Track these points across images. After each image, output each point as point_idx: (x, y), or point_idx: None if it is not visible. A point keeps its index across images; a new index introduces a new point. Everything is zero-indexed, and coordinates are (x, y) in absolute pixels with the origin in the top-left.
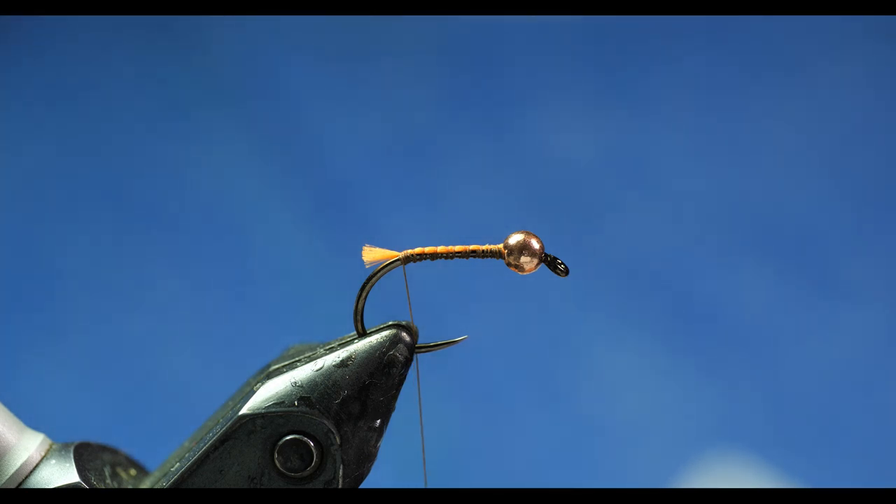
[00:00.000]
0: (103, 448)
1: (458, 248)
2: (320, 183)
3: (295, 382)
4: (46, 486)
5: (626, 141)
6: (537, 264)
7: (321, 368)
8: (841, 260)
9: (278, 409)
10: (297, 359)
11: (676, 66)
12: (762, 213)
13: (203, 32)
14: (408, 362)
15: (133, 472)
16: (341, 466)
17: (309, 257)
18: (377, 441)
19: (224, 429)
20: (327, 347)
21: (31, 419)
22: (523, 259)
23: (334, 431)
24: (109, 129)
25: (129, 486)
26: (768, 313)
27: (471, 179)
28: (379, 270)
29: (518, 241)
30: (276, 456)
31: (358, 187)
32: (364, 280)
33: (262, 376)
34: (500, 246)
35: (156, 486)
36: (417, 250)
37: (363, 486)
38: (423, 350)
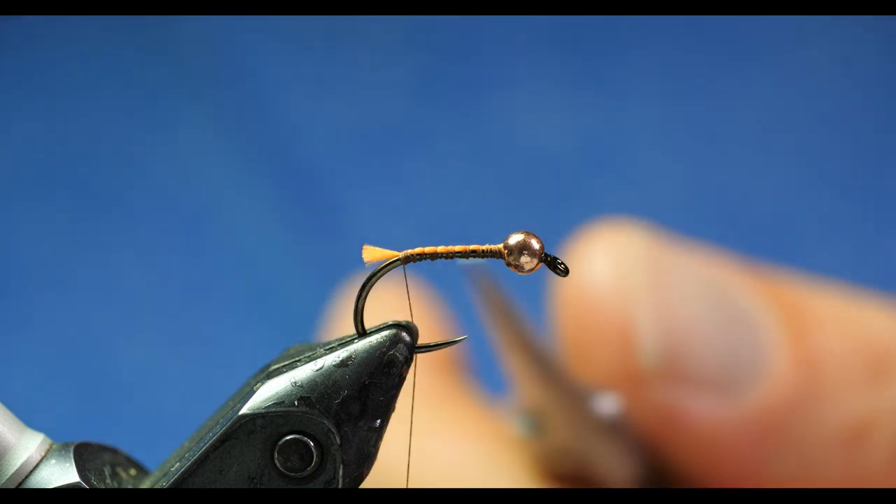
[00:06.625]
0: (103, 448)
1: (458, 247)
2: (288, 171)
3: (295, 382)
4: (46, 486)
5: (596, 125)
6: (537, 264)
7: (321, 368)
8: (808, 244)
9: (278, 409)
10: (297, 359)
11: (648, 51)
12: (732, 197)
13: (170, 19)
14: (408, 362)
15: (133, 472)
16: (341, 466)
17: (276, 246)
18: (377, 441)
19: (224, 429)
20: (327, 347)
21: None
22: (523, 259)
23: (334, 431)
24: (72, 117)
25: (129, 486)
26: None
27: (441, 164)
28: (379, 270)
29: (518, 242)
30: (276, 456)
31: (327, 175)
32: (364, 280)
33: (262, 376)
34: (500, 246)
35: (156, 486)
36: (417, 250)
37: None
38: (423, 350)
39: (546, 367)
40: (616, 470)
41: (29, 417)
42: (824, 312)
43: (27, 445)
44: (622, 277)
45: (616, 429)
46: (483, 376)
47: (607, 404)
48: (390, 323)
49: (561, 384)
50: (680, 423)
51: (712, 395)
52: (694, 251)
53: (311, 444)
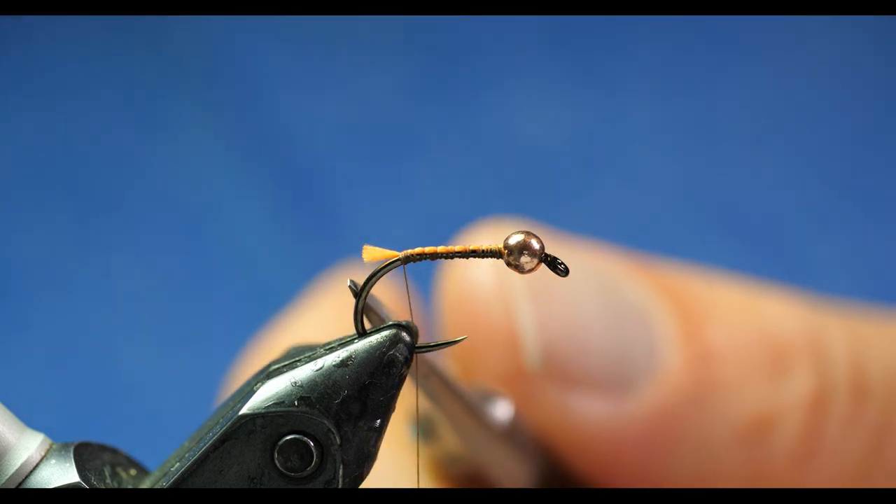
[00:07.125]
0: (103, 448)
1: (457, 247)
2: (287, 171)
3: (295, 382)
4: (46, 486)
5: (592, 122)
6: (537, 264)
7: (321, 368)
8: (805, 243)
9: (278, 409)
10: (297, 358)
11: (646, 49)
12: (728, 195)
13: (169, 20)
14: (408, 362)
15: (133, 472)
16: (341, 466)
17: (276, 246)
18: (377, 441)
19: (224, 429)
20: (327, 347)
21: None
22: (523, 259)
23: (334, 431)
24: (71, 117)
25: (129, 486)
26: None
27: (440, 164)
28: (379, 270)
29: (518, 242)
30: (276, 456)
31: (326, 175)
32: (364, 280)
33: (262, 376)
34: (500, 246)
35: (156, 486)
36: (417, 250)
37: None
38: (423, 350)
39: (435, 377)
40: (510, 475)
41: (29, 417)
42: (721, 305)
43: (27, 445)
44: (503, 277)
45: (509, 435)
46: None
47: (500, 411)
48: (390, 323)
49: (450, 393)
50: (570, 425)
51: (602, 395)
52: (581, 247)
53: (311, 444)
